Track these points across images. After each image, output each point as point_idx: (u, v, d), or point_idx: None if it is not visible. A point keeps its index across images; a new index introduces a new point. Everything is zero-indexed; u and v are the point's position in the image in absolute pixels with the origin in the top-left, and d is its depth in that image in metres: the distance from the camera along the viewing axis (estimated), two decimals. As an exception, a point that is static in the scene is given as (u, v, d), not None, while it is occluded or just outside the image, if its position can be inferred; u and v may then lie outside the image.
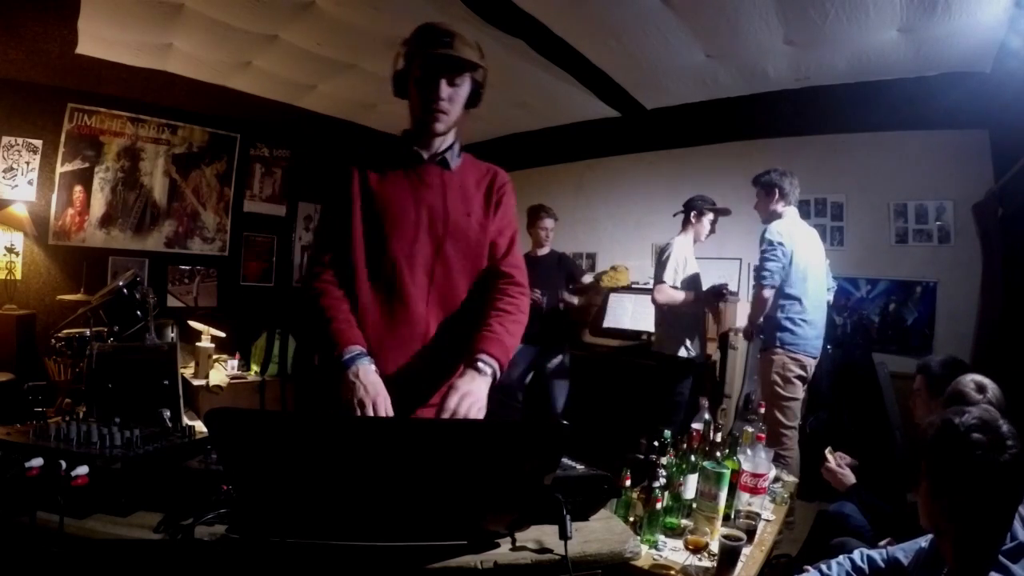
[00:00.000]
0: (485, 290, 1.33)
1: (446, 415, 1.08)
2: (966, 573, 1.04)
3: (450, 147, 1.34)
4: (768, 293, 2.83)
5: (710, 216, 3.28)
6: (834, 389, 3.33)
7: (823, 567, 1.35)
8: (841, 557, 1.35)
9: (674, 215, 3.39)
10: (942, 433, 1.07)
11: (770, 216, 2.97)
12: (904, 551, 1.28)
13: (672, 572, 1.49)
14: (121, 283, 2.61)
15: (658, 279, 3.19)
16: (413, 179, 1.30)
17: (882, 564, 1.30)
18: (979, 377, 1.72)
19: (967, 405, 1.59)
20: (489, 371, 1.18)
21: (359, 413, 1.09)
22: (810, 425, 3.21)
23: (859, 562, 1.32)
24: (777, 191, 2.93)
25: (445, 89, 1.24)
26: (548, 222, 3.72)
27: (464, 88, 1.28)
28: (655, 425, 2.30)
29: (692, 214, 3.28)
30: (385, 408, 1.11)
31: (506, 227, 1.38)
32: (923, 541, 1.23)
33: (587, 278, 4.26)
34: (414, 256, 1.26)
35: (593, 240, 4.97)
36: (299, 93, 4.22)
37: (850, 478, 2.08)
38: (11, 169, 3.86)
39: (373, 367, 1.17)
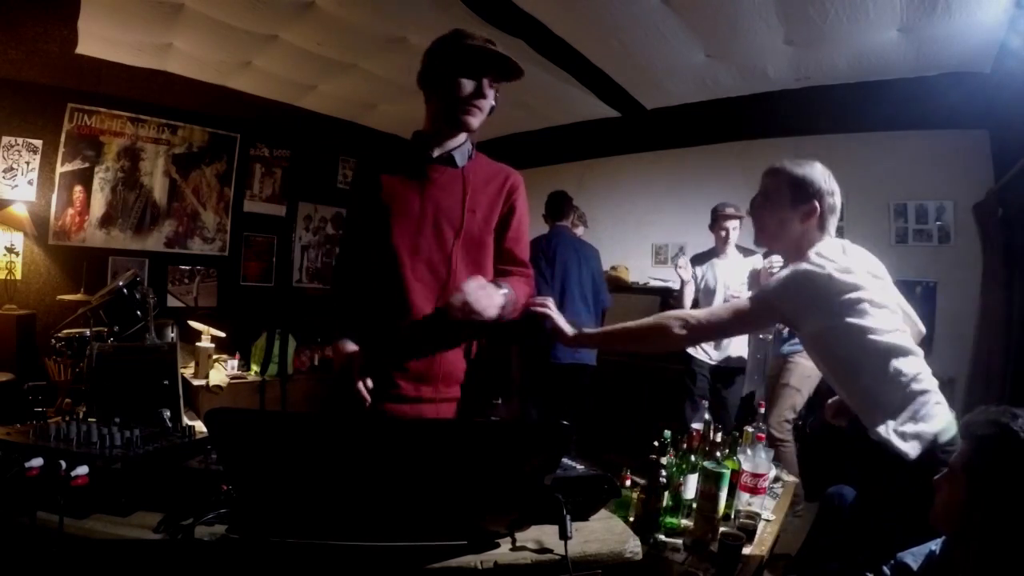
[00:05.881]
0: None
1: (460, 295, 1.16)
2: None
3: (459, 146, 1.36)
4: None
5: (722, 222, 3.30)
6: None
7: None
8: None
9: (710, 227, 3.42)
10: (1000, 439, 1.00)
11: None
12: (914, 555, 1.26)
13: (672, 572, 1.49)
14: (121, 283, 2.60)
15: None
16: (419, 175, 1.34)
17: (889, 573, 1.28)
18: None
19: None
20: (504, 291, 1.24)
21: (340, 379, 1.25)
22: (810, 425, 3.21)
23: None
24: None
25: (487, 88, 1.28)
26: None
27: (494, 96, 1.32)
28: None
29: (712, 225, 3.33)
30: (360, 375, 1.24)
31: (522, 235, 1.43)
32: (933, 545, 1.20)
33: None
34: (417, 249, 1.29)
35: (593, 240, 4.90)
36: (299, 93, 4.22)
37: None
38: (11, 169, 3.86)
39: (350, 343, 1.30)
